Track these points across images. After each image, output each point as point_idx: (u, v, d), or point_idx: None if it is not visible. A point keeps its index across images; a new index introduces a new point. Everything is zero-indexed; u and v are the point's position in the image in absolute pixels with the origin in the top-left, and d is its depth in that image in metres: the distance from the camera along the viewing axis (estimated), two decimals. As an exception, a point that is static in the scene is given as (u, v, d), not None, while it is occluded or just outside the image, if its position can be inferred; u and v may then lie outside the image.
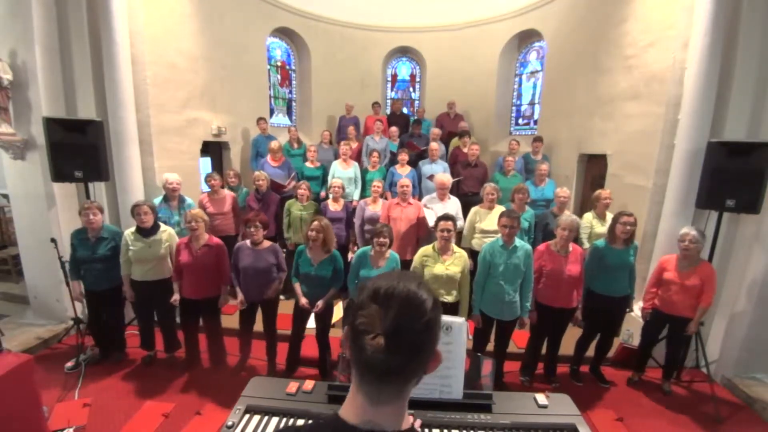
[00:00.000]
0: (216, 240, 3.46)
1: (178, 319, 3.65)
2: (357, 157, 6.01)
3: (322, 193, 5.35)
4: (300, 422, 1.70)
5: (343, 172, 5.24)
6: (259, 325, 3.55)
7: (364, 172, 5.41)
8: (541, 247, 3.33)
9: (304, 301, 3.30)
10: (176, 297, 3.39)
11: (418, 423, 0.88)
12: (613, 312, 3.45)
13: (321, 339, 3.49)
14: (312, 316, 3.42)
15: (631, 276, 3.41)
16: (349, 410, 0.73)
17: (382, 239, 3.14)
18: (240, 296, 3.37)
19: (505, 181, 4.99)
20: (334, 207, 4.50)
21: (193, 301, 3.39)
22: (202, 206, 4.46)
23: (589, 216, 4.17)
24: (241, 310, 3.47)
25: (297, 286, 3.35)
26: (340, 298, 4.32)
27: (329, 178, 5.22)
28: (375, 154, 5.35)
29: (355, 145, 6.08)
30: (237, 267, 3.38)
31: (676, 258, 3.27)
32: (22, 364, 2.41)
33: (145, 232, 3.38)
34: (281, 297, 4.41)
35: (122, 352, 3.78)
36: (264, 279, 3.35)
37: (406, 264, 4.17)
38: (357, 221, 4.45)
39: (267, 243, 3.42)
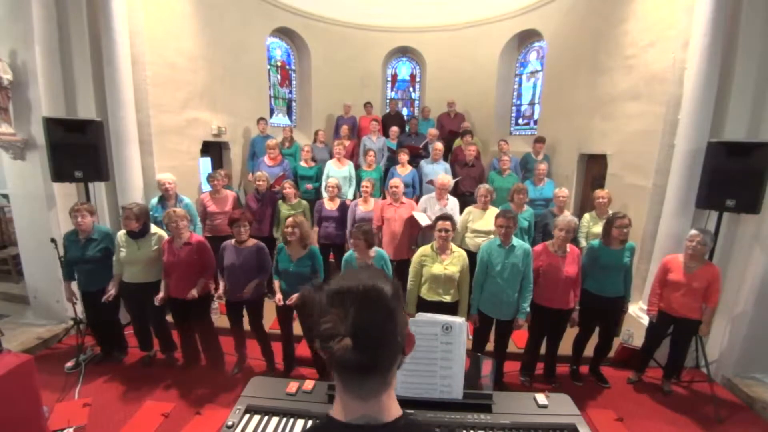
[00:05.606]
0: (197, 238, 3.42)
1: (170, 319, 3.62)
2: (352, 156, 5.99)
3: (308, 186, 5.32)
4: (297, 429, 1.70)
5: (337, 172, 5.22)
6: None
7: (360, 171, 5.40)
8: (539, 247, 3.32)
9: (278, 296, 3.30)
10: (161, 296, 3.34)
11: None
12: (606, 311, 3.43)
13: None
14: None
15: (627, 277, 3.38)
16: (338, 409, 0.74)
17: (354, 240, 3.14)
18: (220, 288, 3.36)
19: (500, 181, 4.99)
20: (329, 206, 4.50)
21: (180, 301, 3.36)
22: (203, 205, 4.49)
23: (587, 216, 4.18)
24: (228, 310, 3.46)
25: (277, 284, 3.36)
26: None
27: (324, 177, 5.21)
28: (371, 153, 5.34)
29: (348, 144, 6.06)
30: (223, 265, 3.37)
31: (680, 259, 3.25)
32: (22, 364, 2.42)
33: (134, 234, 3.35)
34: (272, 298, 4.40)
35: (124, 352, 3.78)
36: (246, 277, 3.31)
37: (401, 263, 4.17)
38: (349, 222, 4.41)
39: (252, 242, 3.38)
